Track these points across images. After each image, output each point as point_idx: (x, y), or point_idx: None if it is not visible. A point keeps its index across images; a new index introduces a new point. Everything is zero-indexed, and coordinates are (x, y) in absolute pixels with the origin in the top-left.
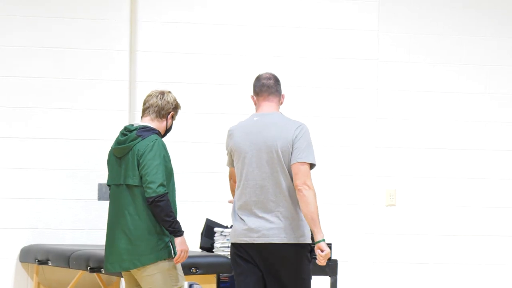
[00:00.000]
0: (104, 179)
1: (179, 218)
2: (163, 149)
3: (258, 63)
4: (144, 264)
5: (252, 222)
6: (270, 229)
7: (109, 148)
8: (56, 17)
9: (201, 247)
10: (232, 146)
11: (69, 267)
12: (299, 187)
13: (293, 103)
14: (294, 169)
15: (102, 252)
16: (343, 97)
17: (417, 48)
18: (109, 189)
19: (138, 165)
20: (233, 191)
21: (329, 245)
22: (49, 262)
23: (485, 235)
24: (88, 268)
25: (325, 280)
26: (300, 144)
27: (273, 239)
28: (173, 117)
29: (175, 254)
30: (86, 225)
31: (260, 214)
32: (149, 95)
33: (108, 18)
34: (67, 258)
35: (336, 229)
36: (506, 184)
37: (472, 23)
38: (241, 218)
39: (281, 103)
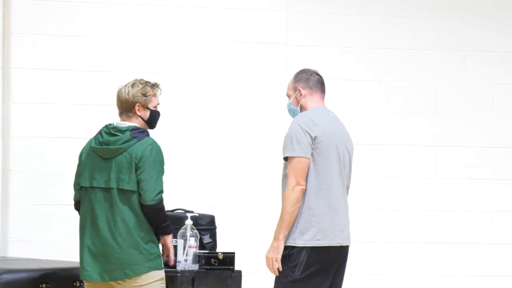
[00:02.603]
0: None
1: None
2: (161, 153)
3: (149, 47)
4: (137, 273)
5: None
6: None
7: None
8: None
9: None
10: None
11: None
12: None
13: (191, 93)
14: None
15: None
16: (247, 86)
17: (330, 31)
18: (85, 192)
19: (136, 169)
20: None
21: (232, 255)
22: None
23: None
24: None
25: None
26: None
27: None
28: (145, 107)
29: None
30: None
31: None
32: (117, 92)
33: None
34: None
35: (240, 236)
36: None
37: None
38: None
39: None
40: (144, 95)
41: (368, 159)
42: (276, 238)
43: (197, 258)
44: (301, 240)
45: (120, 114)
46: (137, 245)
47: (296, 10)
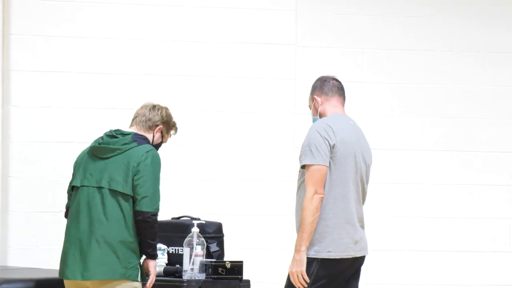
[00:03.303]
0: None
1: None
2: (160, 162)
3: (153, 49)
4: (115, 277)
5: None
6: None
7: None
8: None
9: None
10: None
11: None
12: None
13: (197, 95)
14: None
15: None
16: (256, 89)
17: (341, 32)
18: (76, 192)
19: (134, 174)
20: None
21: (240, 264)
22: None
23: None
24: None
25: None
26: None
27: None
28: (162, 133)
29: (144, 278)
30: None
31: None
32: (141, 106)
33: None
34: None
35: (249, 244)
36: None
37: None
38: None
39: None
40: (168, 127)
41: (382, 164)
42: (297, 250)
43: (204, 267)
44: (312, 251)
45: (136, 122)
46: (119, 249)
47: (305, 10)
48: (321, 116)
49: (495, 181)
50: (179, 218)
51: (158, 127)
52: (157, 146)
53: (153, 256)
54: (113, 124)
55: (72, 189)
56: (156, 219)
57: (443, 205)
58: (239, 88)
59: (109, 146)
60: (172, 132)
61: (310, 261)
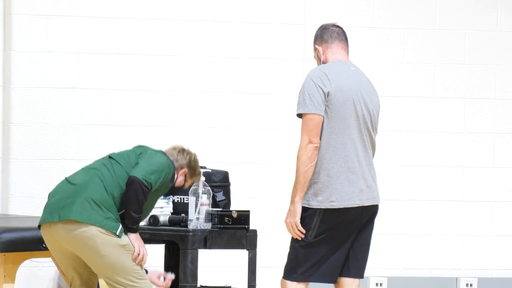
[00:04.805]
0: None
1: None
2: (164, 166)
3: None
4: (79, 219)
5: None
6: None
7: None
8: None
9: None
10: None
11: None
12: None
13: (204, 75)
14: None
15: None
16: (266, 70)
17: (349, 10)
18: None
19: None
20: None
21: (246, 213)
22: None
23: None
24: None
25: (243, 254)
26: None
27: None
28: (185, 177)
29: (120, 233)
30: None
31: None
32: (171, 147)
33: None
34: None
35: (256, 193)
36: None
37: None
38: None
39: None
40: (193, 174)
41: (392, 111)
42: (292, 201)
43: (210, 217)
44: (314, 202)
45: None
46: (93, 201)
47: None
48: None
49: (508, 129)
50: None
51: (183, 169)
52: (176, 189)
53: (132, 230)
54: (118, 69)
55: None
56: (141, 190)
57: (455, 154)
58: (247, 34)
59: None
60: (195, 179)
61: (313, 213)
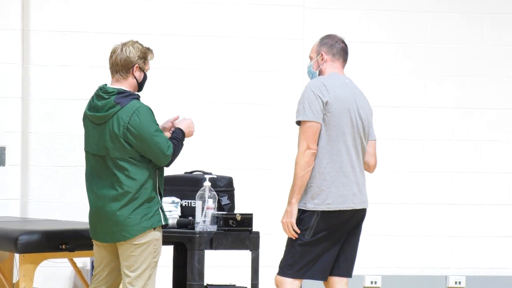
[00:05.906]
0: None
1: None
2: (150, 113)
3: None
4: (133, 235)
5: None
6: None
7: None
8: None
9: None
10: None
11: None
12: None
13: (211, 56)
14: (371, 145)
15: None
16: (267, 82)
17: None
18: (86, 155)
19: (128, 137)
20: None
21: (250, 216)
22: None
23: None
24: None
25: (246, 254)
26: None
27: None
28: (141, 69)
29: (166, 221)
30: None
31: None
32: (111, 51)
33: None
34: None
35: (258, 197)
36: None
37: None
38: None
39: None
40: (144, 57)
41: (387, 121)
42: (289, 202)
43: (215, 219)
44: (311, 204)
45: (114, 73)
46: (130, 209)
47: None
48: (319, 73)
49: (495, 137)
50: (191, 172)
51: (135, 66)
52: (142, 84)
53: (182, 136)
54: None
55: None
56: (175, 152)
57: (444, 160)
58: (249, 48)
59: (98, 114)
60: (149, 58)
61: (311, 214)
